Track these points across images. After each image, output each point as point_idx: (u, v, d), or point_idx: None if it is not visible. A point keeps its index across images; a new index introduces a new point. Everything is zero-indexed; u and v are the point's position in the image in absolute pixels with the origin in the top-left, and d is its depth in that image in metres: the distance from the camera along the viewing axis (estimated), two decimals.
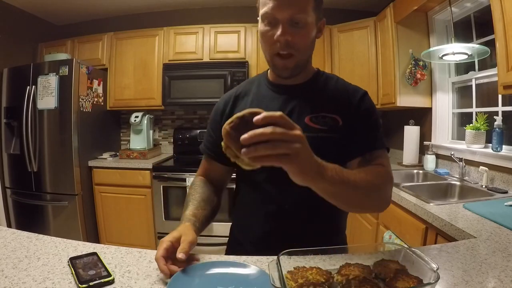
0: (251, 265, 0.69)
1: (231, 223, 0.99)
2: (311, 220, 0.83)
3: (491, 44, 1.64)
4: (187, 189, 0.95)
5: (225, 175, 0.96)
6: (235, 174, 0.95)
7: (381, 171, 0.73)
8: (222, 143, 0.53)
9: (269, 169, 0.67)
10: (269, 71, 0.90)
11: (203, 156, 0.98)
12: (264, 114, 0.48)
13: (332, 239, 0.85)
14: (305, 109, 0.80)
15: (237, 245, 0.92)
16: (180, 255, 0.65)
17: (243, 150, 0.48)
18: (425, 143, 2.27)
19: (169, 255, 0.67)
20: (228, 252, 0.93)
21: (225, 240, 1.00)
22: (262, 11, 0.74)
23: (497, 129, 1.66)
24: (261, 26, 0.76)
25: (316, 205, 0.79)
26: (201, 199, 0.86)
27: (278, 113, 0.49)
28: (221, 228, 2.40)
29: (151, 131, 3.05)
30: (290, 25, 0.72)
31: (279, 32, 0.71)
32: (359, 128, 0.78)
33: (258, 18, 0.78)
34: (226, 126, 0.51)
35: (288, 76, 0.79)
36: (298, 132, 0.50)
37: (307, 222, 0.83)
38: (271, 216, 0.84)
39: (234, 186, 0.96)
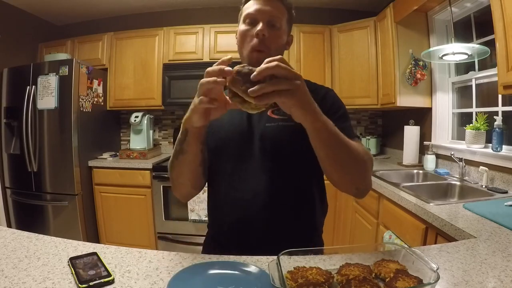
0: (251, 265, 0.69)
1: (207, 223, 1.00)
2: (278, 210, 0.84)
3: (491, 44, 1.64)
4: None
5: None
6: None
7: (367, 152, 0.77)
8: (228, 93, 0.60)
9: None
10: None
11: None
12: (268, 59, 0.56)
13: (306, 237, 0.87)
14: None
15: (211, 241, 0.92)
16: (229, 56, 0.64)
17: (251, 89, 0.55)
18: (425, 143, 2.27)
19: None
20: (204, 251, 0.93)
21: (202, 239, 1.01)
22: (245, 12, 0.85)
23: (497, 129, 1.66)
24: (242, 26, 0.86)
25: (281, 199, 0.84)
26: None
27: (278, 56, 0.56)
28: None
29: (151, 131, 3.04)
30: (268, 26, 0.82)
31: (259, 27, 0.80)
32: None
33: (239, 21, 0.88)
34: (232, 74, 0.58)
35: None
36: (296, 71, 0.57)
37: (275, 212, 0.84)
38: (240, 202, 0.85)
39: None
